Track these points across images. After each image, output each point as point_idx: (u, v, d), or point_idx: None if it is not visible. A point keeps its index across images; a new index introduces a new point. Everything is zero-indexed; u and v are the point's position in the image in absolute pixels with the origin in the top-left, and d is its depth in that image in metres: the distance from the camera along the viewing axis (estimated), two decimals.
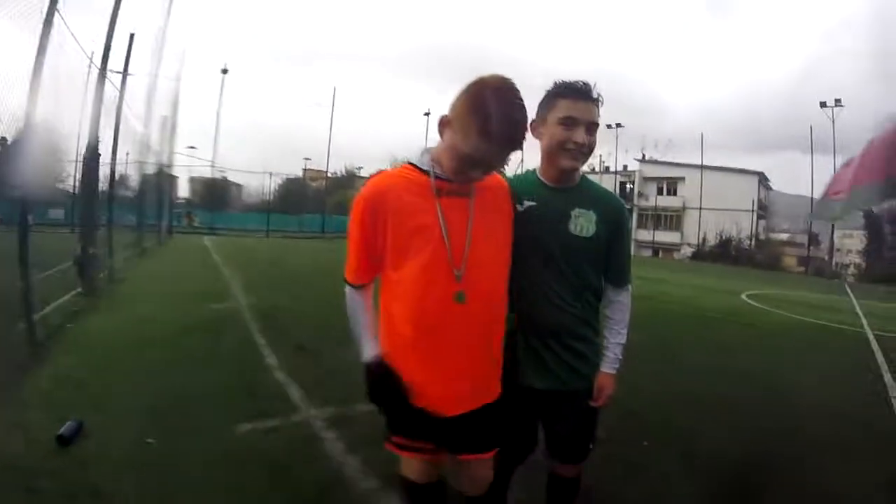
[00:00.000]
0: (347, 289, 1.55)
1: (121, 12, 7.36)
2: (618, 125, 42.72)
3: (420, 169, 1.48)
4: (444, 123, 1.43)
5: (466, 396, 1.50)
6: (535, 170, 1.79)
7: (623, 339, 1.79)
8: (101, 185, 8.79)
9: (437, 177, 1.46)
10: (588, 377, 1.75)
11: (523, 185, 1.74)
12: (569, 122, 1.62)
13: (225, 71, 40.56)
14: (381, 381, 1.47)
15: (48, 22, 4.69)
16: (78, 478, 2.49)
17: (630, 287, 1.82)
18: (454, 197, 1.46)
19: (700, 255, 36.09)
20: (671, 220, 41.32)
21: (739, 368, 5.50)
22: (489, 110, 1.29)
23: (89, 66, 7.40)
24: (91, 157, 7.64)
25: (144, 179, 15.59)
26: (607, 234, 1.72)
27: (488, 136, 1.31)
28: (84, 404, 3.32)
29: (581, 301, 1.72)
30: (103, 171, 8.69)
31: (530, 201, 1.70)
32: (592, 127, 1.64)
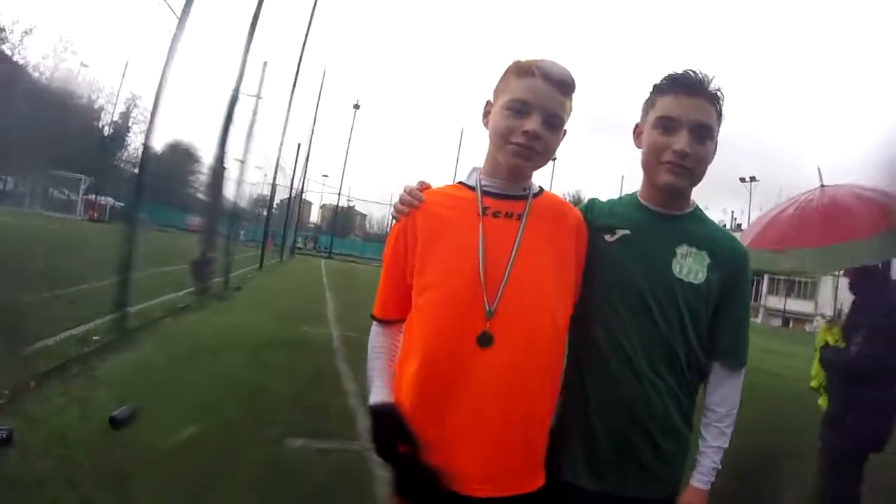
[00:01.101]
0: (373, 325, 1.28)
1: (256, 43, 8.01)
2: (752, 178, 39.45)
3: (468, 186, 1.23)
4: (487, 111, 1.23)
5: (485, 475, 1.11)
6: (635, 192, 1.37)
7: (726, 443, 1.26)
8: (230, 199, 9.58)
9: (485, 192, 1.20)
10: (669, 485, 1.25)
11: (617, 208, 1.35)
12: (667, 124, 1.22)
13: (357, 106, 42.79)
14: (386, 428, 1.14)
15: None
16: (114, 460, 2.50)
17: (744, 369, 1.31)
18: (503, 218, 1.18)
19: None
20: (805, 286, 37.15)
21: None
22: (526, 60, 1.17)
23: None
24: (217, 169, 8.27)
25: (280, 201, 17.15)
26: (721, 285, 1.26)
27: (528, 72, 1.15)
28: (149, 392, 3.38)
29: (677, 376, 1.24)
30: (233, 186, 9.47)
31: (624, 230, 1.29)
32: (702, 131, 1.22)
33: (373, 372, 1.24)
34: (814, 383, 3.21)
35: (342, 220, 44.95)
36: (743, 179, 39.14)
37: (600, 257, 1.27)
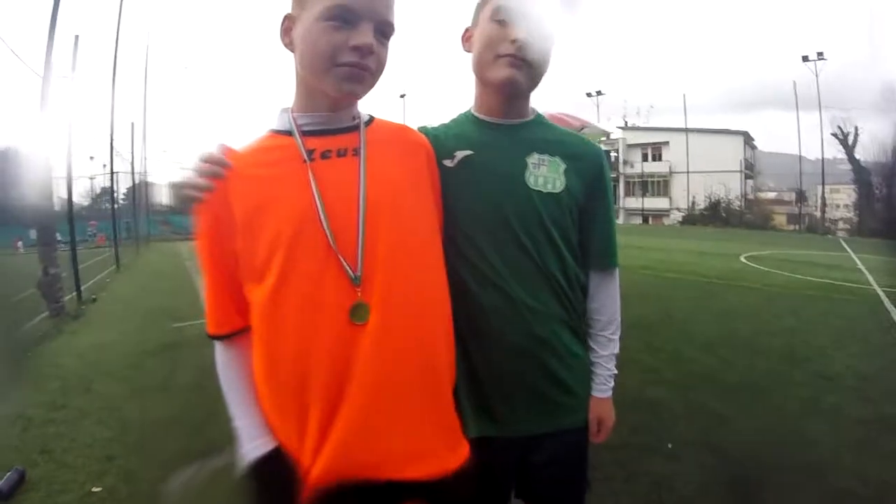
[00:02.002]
0: (216, 348, 0.98)
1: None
2: (598, 93, 42.25)
3: (280, 132, 0.97)
4: (287, 28, 0.94)
5: (403, 467, 0.90)
6: (469, 109, 1.24)
7: (616, 348, 1.24)
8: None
9: (304, 133, 0.94)
10: (578, 408, 1.21)
11: (452, 130, 1.21)
12: (504, 17, 1.11)
13: (187, 68, 38.55)
14: (280, 484, 0.89)
15: None
16: None
17: (618, 270, 1.26)
18: (335, 157, 0.93)
19: (690, 219, 35.65)
20: (658, 185, 40.75)
21: (754, 337, 5.24)
22: None
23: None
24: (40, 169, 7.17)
25: (126, 189, 15.30)
26: (582, 191, 1.18)
27: None
28: (31, 451, 3.00)
29: (559, 297, 1.16)
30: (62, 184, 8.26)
31: (464, 151, 1.16)
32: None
33: (234, 405, 0.95)
34: None
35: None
36: (589, 94, 41.77)
37: (445, 186, 1.11)
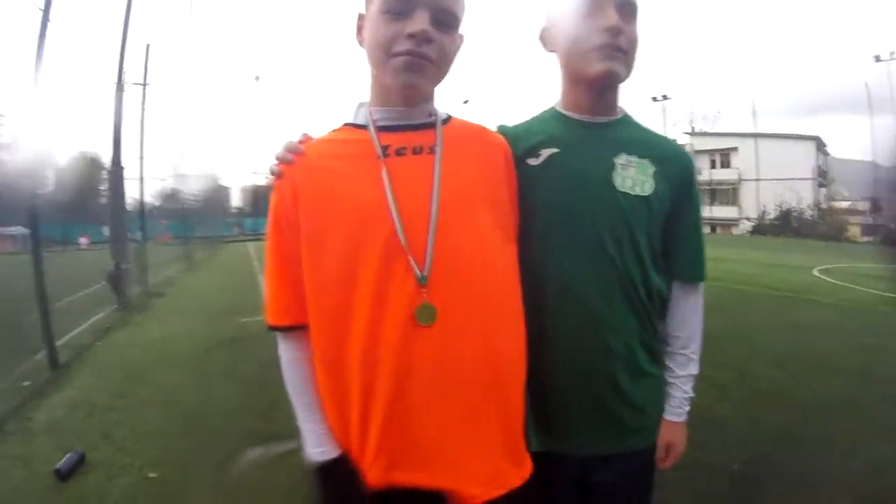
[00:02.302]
0: (278, 341, 0.96)
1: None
2: (664, 97, 40.83)
3: (357, 126, 0.95)
4: (360, 27, 0.94)
5: (471, 479, 0.87)
6: (553, 106, 1.16)
7: (696, 369, 1.14)
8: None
9: (380, 128, 0.92)
10: (647, 429, 1.12)
11: (535, 127, 1.13)
12: (592, 4, 1.02)
13: (258, 78, 40.53)
14: (345, 491, 0.88)
15: None
16: None
17: (703, 285, 1.16)
18: (410, 155, 0.91)
19: (760, 228, 33.84)
20: (727, 193, 38.95)
21: (827, 355, 4.85)
22: None
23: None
24: (114, 170, 7.65)
25: (198, 191, 16.23)
26: (671, 197, 1.09)
27: None
28: (91, 433, 3.17)
29: (637, 309, 1.07)
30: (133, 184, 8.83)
31: (550, 148, 1.09)
32: (627, 8, 1.03)
33: (299, 408, 0.94)
34: None
35: (263, 199, 44.21)
36: (655, 98, 40.46)
37: (527, 186, 1.05)
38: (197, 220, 24.10)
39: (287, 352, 0.95)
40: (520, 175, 1.06)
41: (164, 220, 27.95)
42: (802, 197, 33.34)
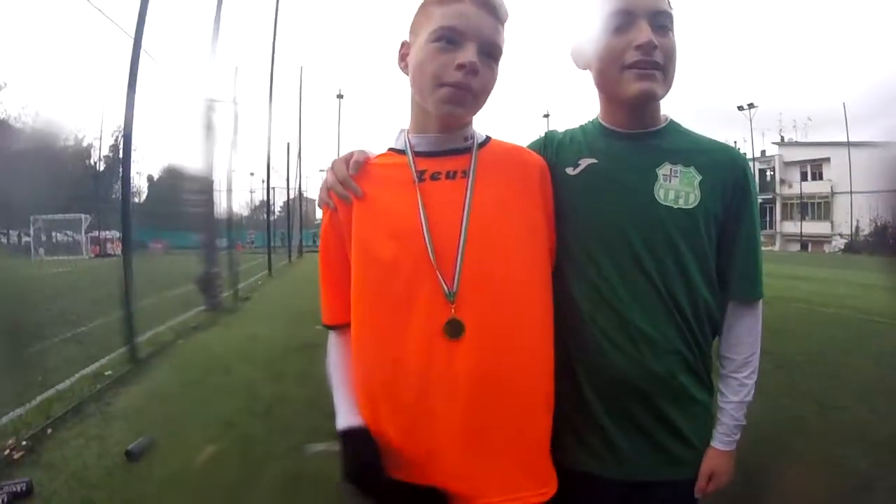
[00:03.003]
0: (329, 336, 1.09)
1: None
2: (750, 105, 38.69)
3: (397, 151, 1.02)
4: (403, 54, 1.01)
5: (477, 486, 0.91)
6: (596, 116, 1.13)
7: (749, 395, 1.06)
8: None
9: (417, 153, 0.99)
10: (692, 461, 1.05)
11: (578, 136, 1.12)
12: (621, 21, 0.99)
13: (341, 96, 42.10)
14: (364, 456, 0.94)
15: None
16: (134, 494, 2.51)
17: (761, 303, 1.08)
18: (444, 179, 0.97)
19: (854, 246, 31.10)
20: (819, 207, 36.17)
21: None
22: None
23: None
24: (206, 181, 8.32)
25: (283, 203, 17.27)
26: (721, 206, 1.03)
27: None
28: (164, 420, 3.41)
29: (682, 330, 1.02)
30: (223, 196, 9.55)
31: (589, 158, 1.06)
32: (661, 18, 0.99)
33: (335, 391, 1.03)
34: None
35: None
36: (741, 107, 38.38)
37: (564, 196, 1.04)
38: (282, 230, 25.51)
39: (333, 339, 1.07)
40: (558, 184, 1.05)
41: (252, 231, 29.81)
42: None
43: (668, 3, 1.02)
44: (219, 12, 8.64)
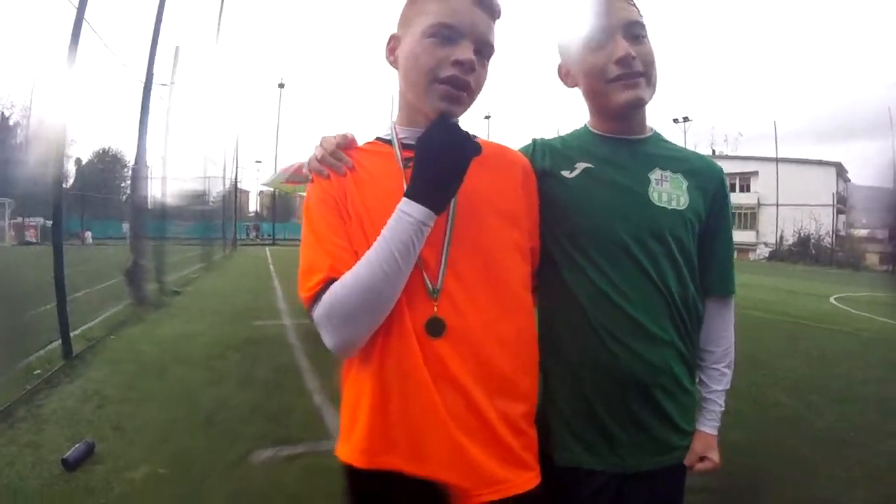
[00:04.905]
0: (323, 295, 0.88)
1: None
2: (685, 119, 40.63)
3: (384, 140, 1.01)
4: (393, 47, 0.98)
5: (473, 478, 0.89)
6: (585, 124, 1.19)
7: (728, 384, 1.15)
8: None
9: (403, 145, 0.97)
10: (682, 448, 1.11)
11: (571, 142, 1.16)
12: (600, 35, 1.04)
13: (282, 85, 40.85)
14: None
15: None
16: None
17: (734, 298, 1.18)
18: None
19: (778, 254, 33.36)
20: (745, 218, 38.32)
21: (842, 384, 4.79)
22: None
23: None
24: (137, 169, 7.81)
25: (217, 193, 16.38)
26: (705, 210, 1.11)
27: None
28: (101, 425, 3.21)
29: (675, 324, 1.07)
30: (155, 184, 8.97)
31: (585, 162, 1.11)
32: (635, 28, 1.05)
33: (376, 247, 0.86)
34: None
35: (281, 204, 44.12)
36: (676, 120, 40.24)
37: (562, 198, 1.07)
38: (216, 222, 24.43)
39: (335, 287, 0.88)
40: (553, 187, 1.09)
41: (184, 221, 28.39)
42: (821, 223, 32.92)
43: (639, 12, 1.08)
44: None
